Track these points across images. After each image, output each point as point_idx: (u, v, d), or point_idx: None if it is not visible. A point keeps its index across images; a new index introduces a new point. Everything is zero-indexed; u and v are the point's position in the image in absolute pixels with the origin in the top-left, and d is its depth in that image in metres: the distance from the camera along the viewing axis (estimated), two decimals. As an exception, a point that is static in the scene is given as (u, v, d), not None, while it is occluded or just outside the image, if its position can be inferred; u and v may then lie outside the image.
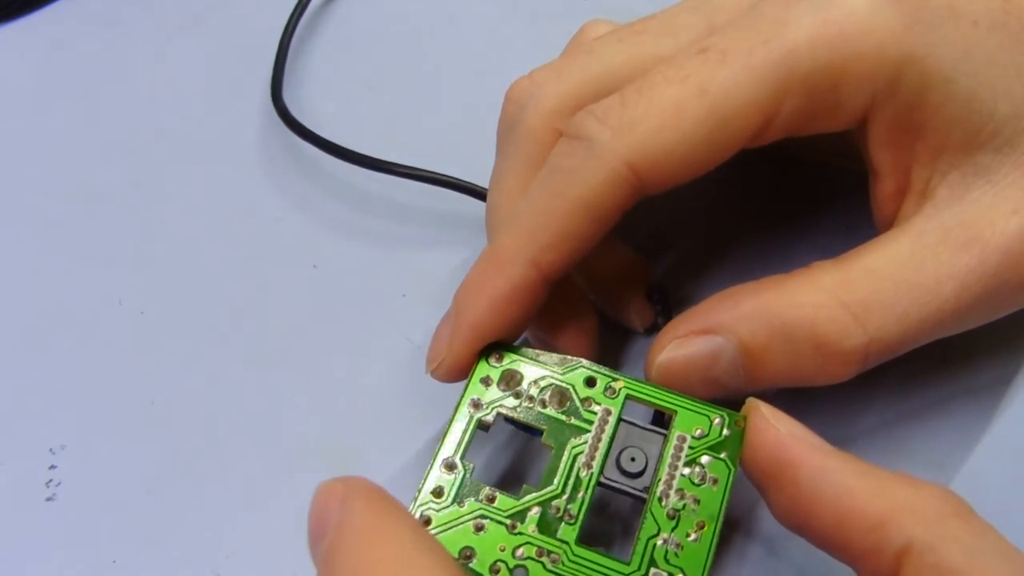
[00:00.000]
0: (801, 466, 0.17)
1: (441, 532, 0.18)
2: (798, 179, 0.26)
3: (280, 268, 0.27)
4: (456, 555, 0.18)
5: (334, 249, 0.27)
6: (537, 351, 0.20)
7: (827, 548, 0.16)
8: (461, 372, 0.20)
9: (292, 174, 0.29)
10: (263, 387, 0.25)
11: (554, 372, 0.20)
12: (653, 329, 0.24)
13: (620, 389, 0.19)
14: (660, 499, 0.18)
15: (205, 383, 0.25)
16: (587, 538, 0.18)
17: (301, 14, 0.33)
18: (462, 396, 0.19)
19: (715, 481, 0.18)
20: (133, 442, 0.24)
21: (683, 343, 0.19)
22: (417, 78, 0.32)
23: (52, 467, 0.24)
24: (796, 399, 0.22)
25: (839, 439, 0.21)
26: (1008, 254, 0.18)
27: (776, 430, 0.17)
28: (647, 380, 0.20)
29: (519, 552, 0.18)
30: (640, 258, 0.24)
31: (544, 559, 0.18)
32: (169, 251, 0.28)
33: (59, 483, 0.24)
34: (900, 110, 0.19)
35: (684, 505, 0.18)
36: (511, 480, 0.22)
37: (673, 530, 0.18)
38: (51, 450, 0.24)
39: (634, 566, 0.18)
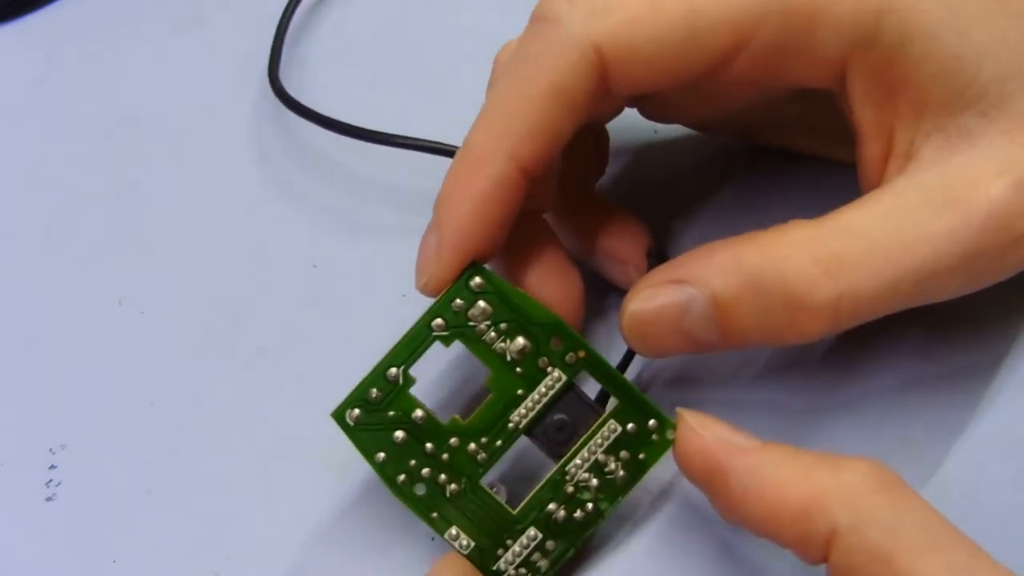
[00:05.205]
0: (729, 470, 0.17)
1: (363, 433, 0.19)
2: (796, 173, 0.26)
3: (280, 268, 0.27)
4: (371, 458, 0.19)
5: (334, 249, 0.27)
6: (519, 291, 0.20)
7: (768, 540, 0.17)
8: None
9: (293, 175, 0.29)
10: (263, 387, 0.25)
11: (523, 319, 0.19)
12: None
13: (579, 360, 0.19)
14: (567, 472, 0.19)
15: (205, 383, 0.25)
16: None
17: (296, 5, 0.32)
18: (428, 310, 0.19)
19: (622, 478, 0.19)
20: (133, 442, 0.24)
21: (653, 294, 0.19)
22: (421, 66, 0.31)
23: (52, 467, 0.24)
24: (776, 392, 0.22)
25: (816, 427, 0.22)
26: (991, 217, 0.18)
27: (701, 438, 0.18)
28: (625, 339, 0.20)
29: (425, 471, 0.19)
30: (639, 220, 0.24)
31: (446, 486, 0.19)
32: (169, 251, 0.28)
33: (59, 483, 0.24)
34: (879, 63, 0.19)
35: (585, 487, 0.19)
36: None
37: (564, 503, 0.19)
38: (51, 450, 0.24)
39: (518, 519, 0.19)
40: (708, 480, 0.18)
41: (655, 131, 0.27)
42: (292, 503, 0.23)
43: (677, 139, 0.27)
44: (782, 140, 0.25)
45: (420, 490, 0.19)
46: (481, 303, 0.19)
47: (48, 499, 0.23)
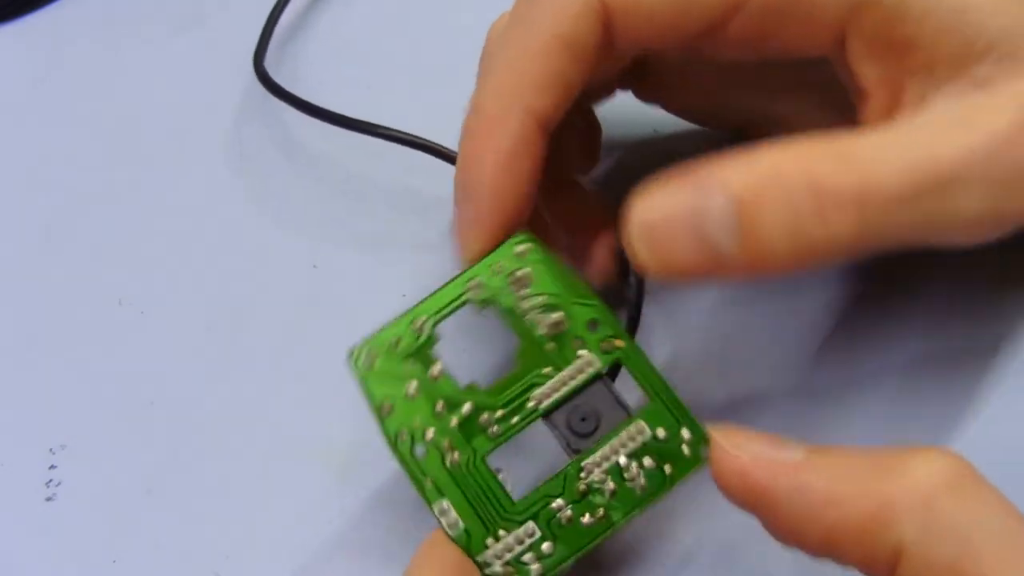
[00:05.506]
0: (775, 492, 0.16)
1: (375, 378, 0.18)
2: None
3: (280, 268, 0.27)
4: (375, 404, 0.18)
5: (334, 249, 0.27)
6: (565, 266, 0.19)
7: (831, 561, 0.16)
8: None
9: (293, 175, 0.29)
10: (263, 387, 0.25)
11: (564, 295, 0.18)
12: (617, 292, 0.24)
13: (616, 349, 0.18)
14: (582, 470, 0.17)
15: (205, 383, 0.25)
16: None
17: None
18: (466, 270, 0.19)
19: (643, 488, 0.17)
20: (133, 442, 0.24)
21: (668, 193, 0.17)
22: (420, 66, 0.31)
23: (52, 467, 0.24)
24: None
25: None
26: (1009, 140, 0.17)
27: (737, 459, 0.16)
28: (642, 358, 0.18)
29: (429, 434, 0.18)
30: (612, 207, 0.23)
31: (447, 454, 0.18)
32: (169, 251, 0.28)
33: (59, 483, 0.24)
34: (880, 23, 0.18)
35: (599, 489, 0.17)
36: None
37: (572, 502, 0.17)
38: (51, 450, 0.24)
39: (517, 510, 0.17)
40: (754, 505, 0.16)
41: (654, 131, 0.27)
42: (292, 503, 0.23)
43: (674, 135, 0.27)
44: (778, 131, 0.25)
45: (419, 451, 0.18)
46: (522, 270, 0.18)
47: (48, 499, 0.23)
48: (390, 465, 0.23)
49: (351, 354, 0.19)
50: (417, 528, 0.21)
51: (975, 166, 0.17)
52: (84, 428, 0.25)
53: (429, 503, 0.17)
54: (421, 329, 0.18)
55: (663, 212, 0.17)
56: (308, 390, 0.25)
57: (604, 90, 0.23)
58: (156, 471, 0.24)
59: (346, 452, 0.23)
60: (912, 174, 0.16)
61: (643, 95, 0.24)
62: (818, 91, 0.22)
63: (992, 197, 0.17)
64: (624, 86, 0.23)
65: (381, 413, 0.18)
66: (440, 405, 0.18)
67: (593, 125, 0.24)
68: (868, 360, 0.22)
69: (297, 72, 0.32)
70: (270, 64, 0.31)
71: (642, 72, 0.23)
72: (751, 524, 0.16)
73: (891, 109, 0.19)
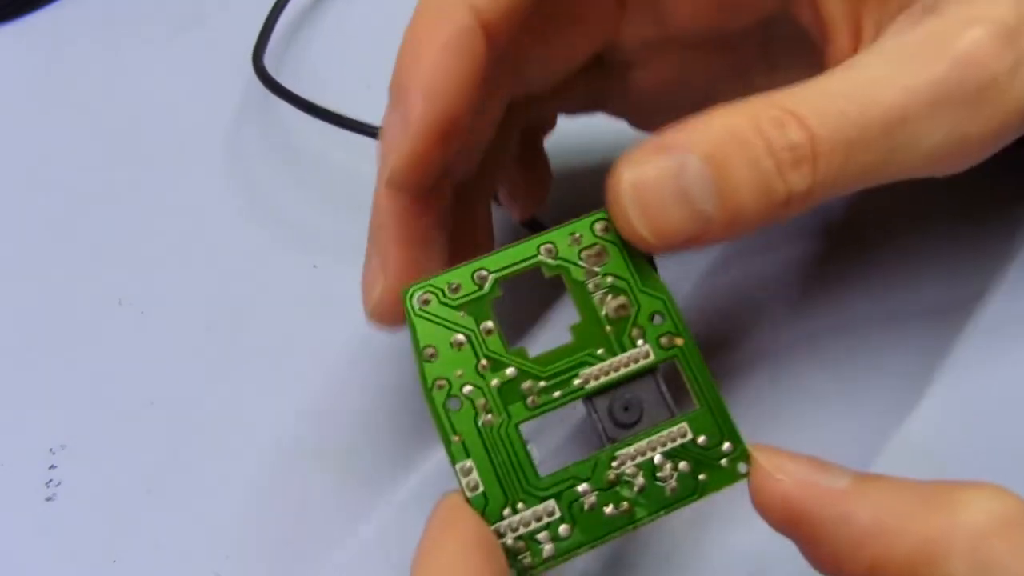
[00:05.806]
0: (818, 519, 0.15)
1: (425, 320, 0.18)
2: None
3: (280, 268, 0.27)
4: (419, 346, 0.17)
5: (334, 249, 0.27)
6: (642, 256, 0.18)
7: None
8: (426, 172, 0.18)
9: (293, 175, 0.29)
10: (263, 387, 0.25)
11: (635, 281, 0.18)
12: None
13: (675, 346, 0.18)
14: (615, 459, 0.17)
15: (205, 383, 0.25)
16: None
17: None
18: (542, 233, 0.18)
19: (673, 490, 0.17)
20: (133, 442, 0.24)
21: (647, 159, 0.17)
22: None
23: (52, 467, 0.24)
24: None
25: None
26: (958, 62, 0.16)
27: (779, 482, 0.16)
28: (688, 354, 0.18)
29: (467, 389, 0.17)
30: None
31: (481, 414, 0.17)
32: (169, 251, 0.28)
33: (59, 483, 0.24)
34: None
35: (628, 482, 0.17)
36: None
37: (598, 491, 0.17)
38: (51, 450, 0.24)
39: (541, 485, 0.17)
40: (794, 530, 0.16)
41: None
42: (292, 503, 0.23)
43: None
44: None
45: (453, 404, 0.17)
46: (599, 246, 0.18)
47: (48, 499, 0.23)
48: (389, 465, 0.23)
49: (405, 291, 0.18)
50: (416, 529, 0.21)
51: (933, 96, 0.16)
52: (84, 428, 0.25)
53: (453, 460, 0.17)
54: (483, 282, 0.18)
55: (650, 174, 0.17)
56: (308, 390, 0.25)
57: (562, 104, 0.23)
58: (156, 471, 0.24)
59: (346, 452, 0.23)
60: (859, 120, 0.16)
61: (607, 105, 0.23)
62: (781, 70, 0.22)
63: (954, 122, 0.17)
64: (588, 104, 0.23)
65: (423, 357, 0.17)
66: (484, 363, 0.17)
67: (542, 165, 0.24)
68: (831, 315, 0.23)
69: (296, 72, 0.32)
70: (269, 64, 0.31)
71: (604, 78, 0.23)
72: (784, 543, 0.16)
73: (854, 48, 0.19)
